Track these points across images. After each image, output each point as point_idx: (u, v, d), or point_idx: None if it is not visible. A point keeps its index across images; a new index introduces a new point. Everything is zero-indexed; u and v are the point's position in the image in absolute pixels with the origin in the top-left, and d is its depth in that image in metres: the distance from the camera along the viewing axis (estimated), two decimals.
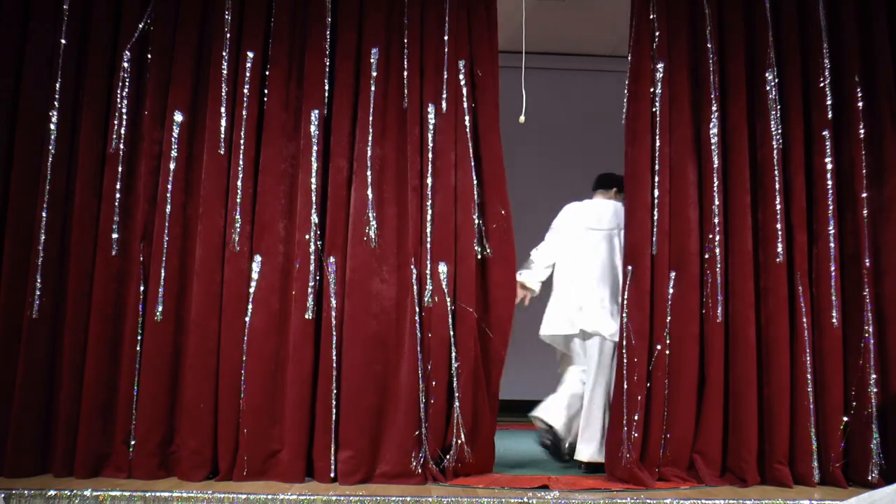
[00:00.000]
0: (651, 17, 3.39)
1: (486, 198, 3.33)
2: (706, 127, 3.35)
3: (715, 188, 3.30)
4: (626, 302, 3.25)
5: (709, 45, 3.39)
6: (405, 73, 3.35)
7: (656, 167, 3.30)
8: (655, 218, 3.27)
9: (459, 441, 3.11)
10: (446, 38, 3.35)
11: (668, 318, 3.24)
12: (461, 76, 3.34)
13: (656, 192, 3.28)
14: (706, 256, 3.29)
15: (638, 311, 3.22)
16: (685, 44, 3.41)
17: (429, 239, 3.22)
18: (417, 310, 3.18)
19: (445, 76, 3.32)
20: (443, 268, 3.20)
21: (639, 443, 3.15)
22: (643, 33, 3.39)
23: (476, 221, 3.28)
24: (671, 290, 3.26)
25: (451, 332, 3.16)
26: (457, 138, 3.29)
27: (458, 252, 3.23)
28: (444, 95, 3.31)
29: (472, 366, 3.17)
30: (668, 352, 3.23)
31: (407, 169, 3.29)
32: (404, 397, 3.13)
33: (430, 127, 3.30)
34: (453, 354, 3.15)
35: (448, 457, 3.12)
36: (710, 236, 3.28)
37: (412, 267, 3.21)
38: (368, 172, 3.25)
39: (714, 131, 3.34)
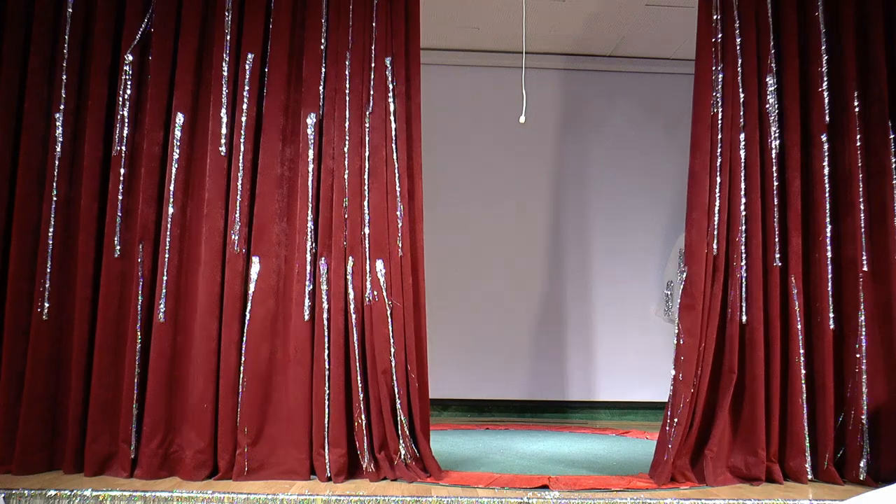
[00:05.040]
0: (714, 17, 3.39)
1: (410, 194, 3.35)
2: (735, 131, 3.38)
3: (740, 190, 3.34)
4: (679, 301, 3.28)
5: (737, 49, 3.40)
6: (347, 72, 3.36)
7: (717, 168, 3.32)
8: (716, 221, 3.29)
9: (405, 438, 3.15)
10: (375, 34, 3.38)
11: (708, 318, 3.26)
12: (388, 72, 3.37)
13: (717, 193, 3.30)
14: (730, 259, 3.32)
15: (689, 310, 3.25)
16: (732, 47, 3.42)
17: (367, 236, 3.26)
18: (360, 308, 3.22)
19: (373, 74, 3.35)
20: (380, 265, 3.24)
21: (678, 442, 3.16)
22: (705, 35, 3.39)
23: (399, 218, 3.31)
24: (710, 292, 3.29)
25: (391, 329, 3.19)
26: (386, 135, 3.33)
27: (390, 249, 3.27)
28: (372, 93, 3.35)
29: (404, 362, 3.20)
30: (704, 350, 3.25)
31: (360, 168, 3.32)
32: (357, 397, 3.16)
33: (367, 125, 3.33)
34: (392, 351, 3.18)
35: (398, 454, 3.16)
36: (737, 238, 3.31)
37: (350, 266, 3.25)
38: (352, 174, 3.30)
39: (742, 136, 3.37)
